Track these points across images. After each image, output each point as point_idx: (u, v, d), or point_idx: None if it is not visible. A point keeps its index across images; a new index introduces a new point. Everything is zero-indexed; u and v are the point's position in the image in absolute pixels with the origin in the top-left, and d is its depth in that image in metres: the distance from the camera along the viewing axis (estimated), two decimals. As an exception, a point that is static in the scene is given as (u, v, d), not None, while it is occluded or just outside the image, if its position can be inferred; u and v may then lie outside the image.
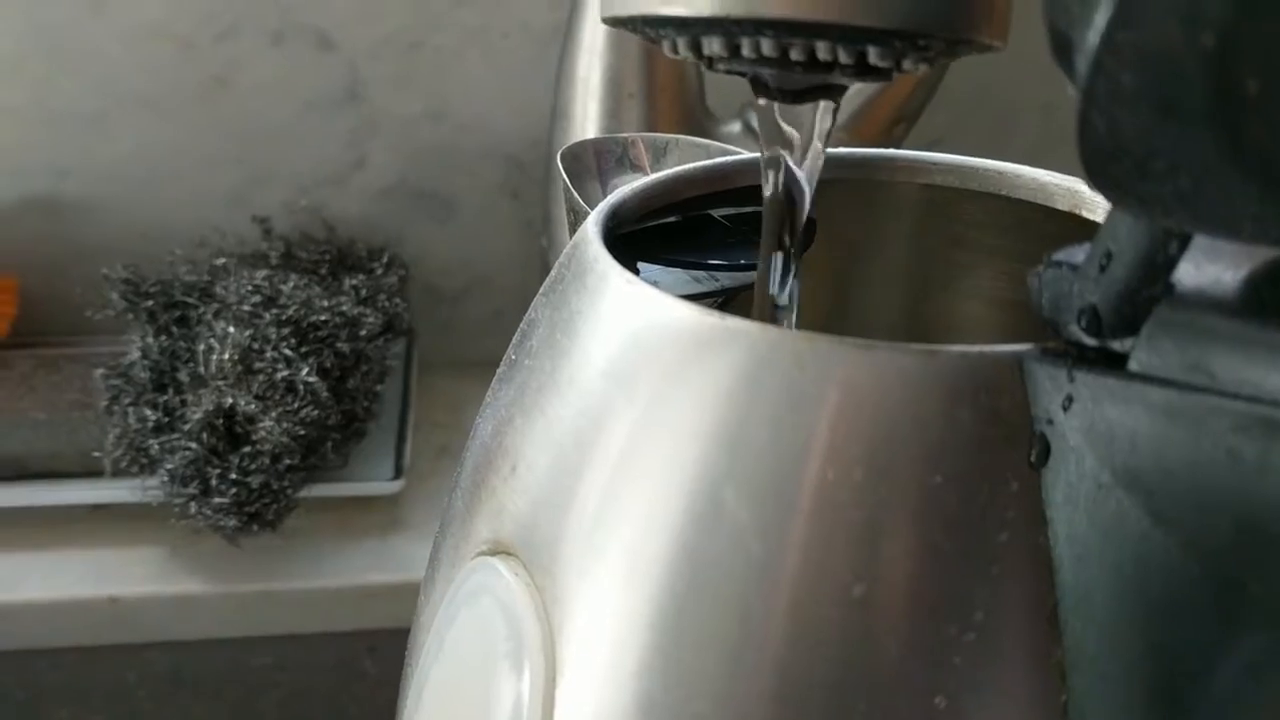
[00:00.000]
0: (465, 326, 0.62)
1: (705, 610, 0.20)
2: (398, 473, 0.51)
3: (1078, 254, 0.19)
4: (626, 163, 0.33)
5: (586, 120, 0.47)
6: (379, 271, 0.54)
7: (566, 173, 0.30)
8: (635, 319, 0.21)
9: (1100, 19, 0.13)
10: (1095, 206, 0.26)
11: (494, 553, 0.23)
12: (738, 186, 0.29)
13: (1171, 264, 0.17)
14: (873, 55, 0.18)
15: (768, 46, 0.18)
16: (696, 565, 0.20)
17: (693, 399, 0.20)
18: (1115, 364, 0.18)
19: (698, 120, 0.48)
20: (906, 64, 0.19)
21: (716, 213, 0.30)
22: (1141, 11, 0.12)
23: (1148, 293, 0.17)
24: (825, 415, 0.19)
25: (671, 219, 0.29)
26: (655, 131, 0.46)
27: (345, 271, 0.54)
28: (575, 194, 0.29)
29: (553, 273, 0.25)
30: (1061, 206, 0.27)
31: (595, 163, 0.32)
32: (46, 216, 0.57)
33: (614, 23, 0.20)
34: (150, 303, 0.48)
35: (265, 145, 0.56)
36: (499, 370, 0.26)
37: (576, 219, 0.30)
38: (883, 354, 0.19)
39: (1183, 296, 0.17)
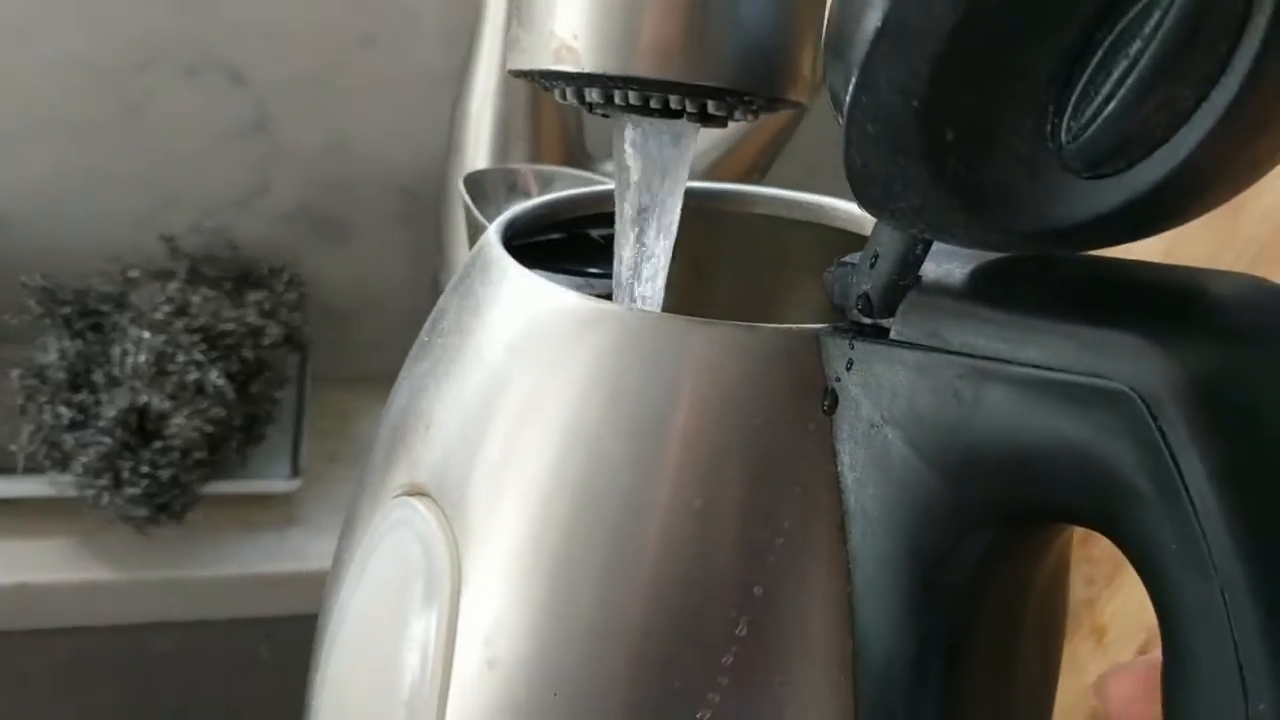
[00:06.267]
0: (356, 344, 0.67)
1: (585, 526, 0.25)
2: (295, 472, 0.56)
3: (857, 256, 0.25)
4: (518, 190, 0.39)
5: (478, 156, 0.53)
6: (280, 289, 0.59)
7: (469, 194, 0.36)
8: (531, 303, 0.27)
9: (852, 85, 0.19)
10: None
11: (411, 494, 0.28)
12: (611, 211, 0.35)
13: (919, 261, 0.24)
14: (711, 107, 0.25)
15: (634, 97, 0.24)
16: (577, 493, 0.25)
17: (578, 365, 0.26)
18: (882, 335, 0.24)
19: (577, 160, 0.54)
20: (737, 114, 0.25)
21: (594, 232, 0.36)
22: (874, 81, 0.19)
23: (903, 282, 0.24)
24: (677, 374, 0.25)
25: (556, 236, 0.35)
26: (540, 167, 0.52)
27: (248, 287, 0.58)
28: (476, 211, 0.35)
29: (459, 271, 0.30)
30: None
31: (491, 188, 0.38)
32: (-43, 230, 0.60)
33: (516, 74, 0.26)
34: (67, 309, 0.52)
35: (175, 170, 0.61)
36: (412, 351, 0.31)
37: (475, 232, 0.35)
38: (720, 329, 0.25)
39: (926, 285, 0.23)
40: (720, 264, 0.37)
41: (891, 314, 0.24)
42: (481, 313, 0.28)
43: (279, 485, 0.55)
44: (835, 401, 0.25)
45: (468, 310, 0.29)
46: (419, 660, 0.27)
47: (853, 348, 0.24)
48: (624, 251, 0.29)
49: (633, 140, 0.27)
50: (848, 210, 0.35)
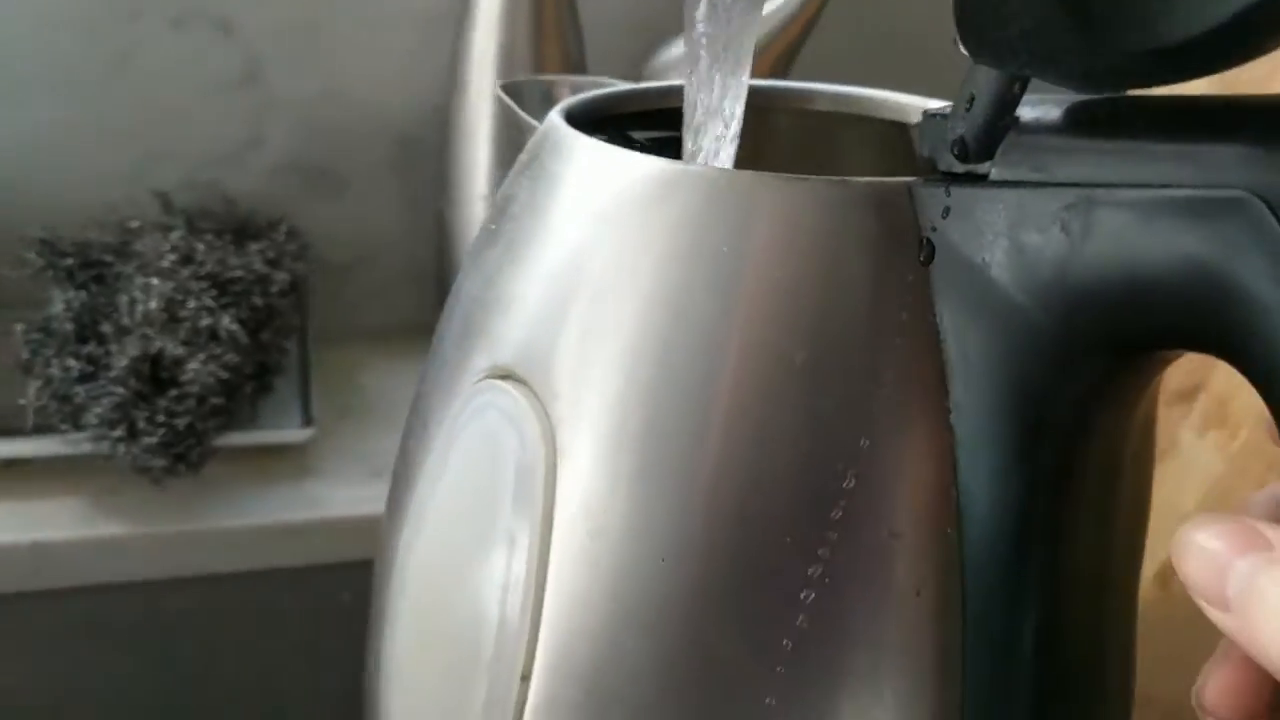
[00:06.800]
0: (355, 297, 0.66)
1: (677, 386, 0.25)
2: (307, 421, 0.55)
3: (947, 108, 0.25)
4: (552, 100, 0.38)
5: (482, 90, 0.53)
6: (280, 239, 0.58)
7: (509, 96, 0.35)
8: (610, 174, 0.27)
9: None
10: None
11: (494, 376, 0.28)
12: (664, 108, 0.34)
13: (1016, 101, 0.24)
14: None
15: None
16: (670, 354, 0.25)
17: (663, 228, 0.26)
18: (979, 181, 0.24)
19: (582, 92, 0.54)
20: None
21: (636, 134, 0.36)
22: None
23: (1001, 123, 0.24)
24: (766, 230, 0.25)
25: (599, 137, 0.35)
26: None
27: (248, 239, 0.57)
28: (521, 112, 0.34)
29: (523, 156, 0.30)
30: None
31: (528, 96, 0.38)
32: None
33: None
34: (68, 261, 0.51)
35: (165, 125, 0.59)
36: (475, 241, 0.31)
37: (519, 135, 0.35)
38: (809, 183, 0.25)
39: (1025, 125, 0.24)
40: (768, 161, 0.37)
41: (989, 157, 0.24)
42: (556, 190, 0.28)
43: (292, 435, 0.54)
44: (932, 252, 0.25)
45: (540, 190, 0.28)
46: (517, 538, 0.26)
47: (949, 195, 0.24)
48: (695, 120, 0.29)
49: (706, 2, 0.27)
50: (896, 101, 0.35)
